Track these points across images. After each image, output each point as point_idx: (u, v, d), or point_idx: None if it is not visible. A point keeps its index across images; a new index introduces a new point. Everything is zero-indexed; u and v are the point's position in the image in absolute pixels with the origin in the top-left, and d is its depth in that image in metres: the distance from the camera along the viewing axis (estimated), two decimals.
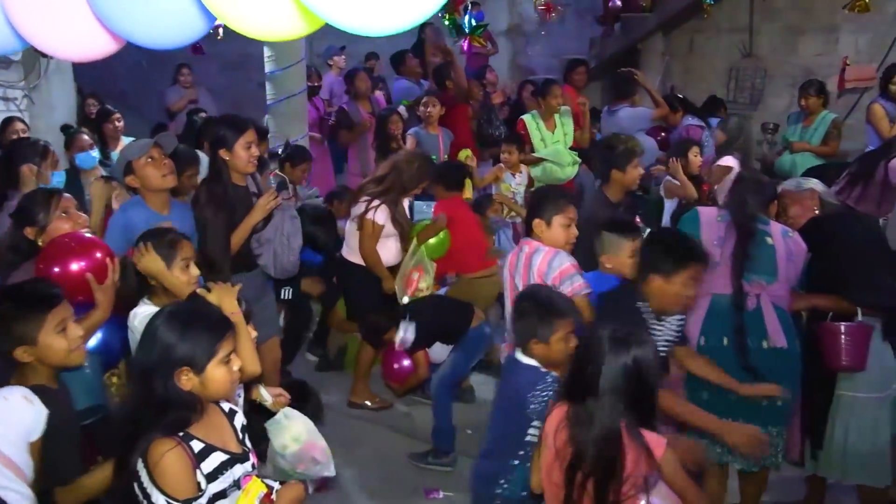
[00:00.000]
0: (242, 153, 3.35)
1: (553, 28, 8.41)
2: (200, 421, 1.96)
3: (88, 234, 2.93)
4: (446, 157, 5.77)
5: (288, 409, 2.63)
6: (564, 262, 3.03)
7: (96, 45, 2.25)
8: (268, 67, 5.85)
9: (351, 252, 4.34)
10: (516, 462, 2.51)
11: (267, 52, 5.79)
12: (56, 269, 2.61)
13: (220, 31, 5.62)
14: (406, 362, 4.19)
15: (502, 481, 2.53)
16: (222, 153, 3.37)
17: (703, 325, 3.02)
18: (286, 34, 1.92)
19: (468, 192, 5.25)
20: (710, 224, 3.13)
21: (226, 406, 2.11)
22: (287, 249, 3.53)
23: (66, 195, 3.00)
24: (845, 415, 3.12)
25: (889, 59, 7.70)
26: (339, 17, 1.69)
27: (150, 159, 3.25)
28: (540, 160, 5.71)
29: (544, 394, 2.45)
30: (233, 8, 1.81)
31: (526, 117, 5.84)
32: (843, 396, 3.12)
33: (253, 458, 2.09)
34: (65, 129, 5.41)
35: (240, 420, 2.13)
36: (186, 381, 1.90)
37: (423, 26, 5.17)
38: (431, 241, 4.42)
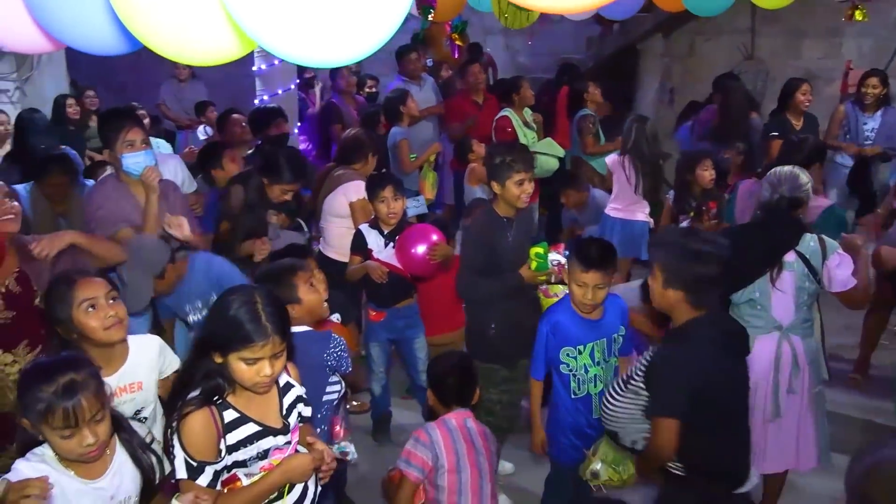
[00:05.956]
0: None
1: (550, 27, 8.35)
2: (243, 392, 2.03)
3: None
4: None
5: None
6: None
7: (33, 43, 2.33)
8: (256, 64, 5.87)
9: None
10: None
11: (256, 49, 5.80)
12: None
13: None
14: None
15: None
16: None
17: None
18: (213, 59, 1.92)
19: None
20: None
21: (282, 380, 2.18)
22: None
23: None
24: None
25: (893, 64, 7.60)
26: (280, 47, 1.67)
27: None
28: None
29: None
30: (157, 34, 1.81)
31: (507, 113, 5.80)
32: None
33: (292, 435, 2.16)
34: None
35: (292, 395, 2.20)
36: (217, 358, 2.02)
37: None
38: None
